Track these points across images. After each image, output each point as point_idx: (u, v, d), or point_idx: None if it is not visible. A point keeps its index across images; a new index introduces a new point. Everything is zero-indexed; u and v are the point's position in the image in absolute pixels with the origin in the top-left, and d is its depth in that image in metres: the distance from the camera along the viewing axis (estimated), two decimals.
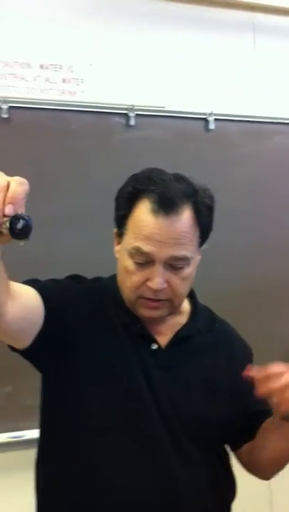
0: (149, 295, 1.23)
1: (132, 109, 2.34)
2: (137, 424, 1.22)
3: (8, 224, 0.79)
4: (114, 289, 1.31)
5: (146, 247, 1.19)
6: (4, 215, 0.81)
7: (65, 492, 1.24)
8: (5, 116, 2.19)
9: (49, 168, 2.26)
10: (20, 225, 0.79)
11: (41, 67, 2.31)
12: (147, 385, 1.24)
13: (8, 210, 0.81)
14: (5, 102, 2.19)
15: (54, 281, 1.32)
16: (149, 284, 1.21)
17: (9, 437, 2.24)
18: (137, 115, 2.35)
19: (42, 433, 1.34)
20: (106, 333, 1.27)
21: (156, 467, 1.21)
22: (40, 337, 1.20)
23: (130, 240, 1.22)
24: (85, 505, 1.21)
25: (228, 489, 1.35)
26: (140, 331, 1.29)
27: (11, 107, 2.20)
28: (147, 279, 1.22)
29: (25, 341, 1.20)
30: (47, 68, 2.32)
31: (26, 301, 1.16)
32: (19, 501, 2.26)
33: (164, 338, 1.32)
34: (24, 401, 2.22)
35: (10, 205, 0.82)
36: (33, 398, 2.19)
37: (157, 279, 1.20)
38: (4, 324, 1.11)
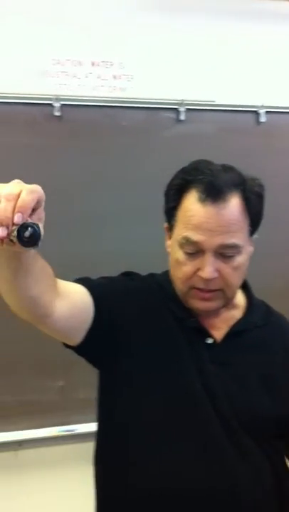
0: (201, 285, 1.23)
1: (182, 104, 2.33)
2: (193, 420, 1.22)
3: (16, 232, 0.80)
4: (167, 284, 1.31)
5: (195, 237, 1.19)
6: (13, 224, 0.82)
7: (125, 487, 1.24)
8: (57, 114, 2.22)
9: (101, 164, 2.28)
10: (27, 233, 0.81)
11: (92, 64, 2.33)
12: (202, 379, 1.23)
13: (17, 218, 0.83)
14: (57, 100, 2.22)
15: (106, 279, 1.33)
16: (200, 273, 1.21)
17: (61, 431, 2.27)
18: (187, 110, 2.34)
19: (100, 427, 1.34)
20: (159, 328, 1.27)
21: (214, 464, 1.20)
22: (91, 334, 1.21)
23: (180, 231, 1.23)
24: (145, 500, 1.21)
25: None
26: (195, 325, 1.29)
27: (63, 104, 2.22)
28: (198, 269, 1.22)
29: (76, 338, 1.21)
30: (98, 65, 2.33)
31: (75, 299, 1.18)
32: (71, 494, 2.31)
33: (219, 332, 1.31)
34: (76, 395, 2.25)
35: (19, 214, 0.83)
36: (85, 392, 2.26)
37: (208, 269, 1.20)
38: (53, 321, 1.13)
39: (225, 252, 1.21)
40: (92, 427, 2.20)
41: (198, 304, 1.26)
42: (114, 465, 1.27)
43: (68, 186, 2.25)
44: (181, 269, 1.24)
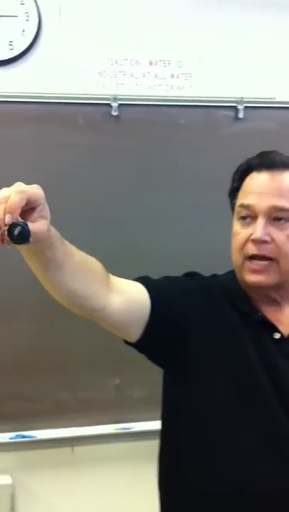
0: (253, 251, 1.23)
1: (241, 102, 2.31)
2: (261, 417, 1.20)
3: (6, 232, 0.86)
4: (232, 281, 1.31)
5: (247, 200, 1.24)
6: (5, 224, 0.86)
7: (192, 485, 1.24)
8: (115, 113, 2.24)
9: (159, 163, 2.29)
10: (16, 231, 0.86)
11: (150, 63, 2.33)
12: (270, 373, 1.21)
13: (7, 219, 0.86)
14: (115, 99, 2.23)
15: (167, 278, 1.33)
16: (252, 236, 1.23)
17: (117, 429, 2.28)
18: (246, 107, 2.32)
19: (164, 426, 1.34)
20: (223, 324, 1.26)
21: (283, 461, 1.18)
22: (149, 331, 1.21)
23: (238, 203, 1.28)
24: (211, 498, 1.20)
25: None
26: (260, 320, 1.27)
27: (120, 104, 2.24)
28: (251, 235, 1.23)
29: (134, 334, 1.22)
30: (156, 64, 2.33)
31: (131, 294, 1.19)
32: (126, 492, 2.33)
33: (285, 327, 1.29)
34: (132, 393, 2.26)
35: (8, 215, 0.86)
36: (141, 391, 2.27)
37: (258, 230, 1.21)
38: (108, 315, 1.15)
39: (277, 215, 1.22)
40: (148, 425, 2.25)
41: (250, 277, 1.25)
42: (181, 462, 1.26)
43: (127, 185, 2.27)
44: (236, 240, 1.26)
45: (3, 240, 0.87)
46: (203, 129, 2.31)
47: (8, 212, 0.86)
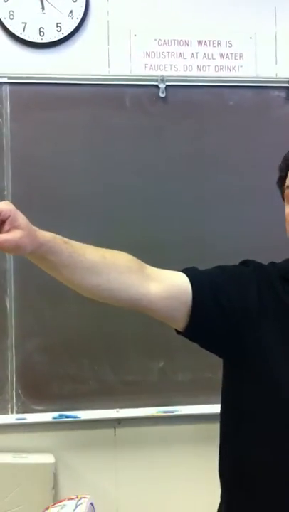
0: None
1: None
2: None
3: None
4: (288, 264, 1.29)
5: None
6: None
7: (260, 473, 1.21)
8: (162, 95, 2.22)
9: (208, 145, 2.27)
10: None
11: (199, 43, 2.30)
12: None
13: None
14: (162, 81, 2.21)
15: (216, 267, 1.31)
16: None
17: (160, 412, 2.29)
18: None
19: (224, 413, 1.32)
20: (280, 308, 1.24)
21: None
22: (194, 318, 1.20)
23: (285, 187, 1.25)
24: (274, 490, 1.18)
25: None
26: None
27: (168, 85, 2.22)
28: None
29: (180, 322, 1.21)
30: (205, 44, 2.30)
31: (171, 282, 1.20)
32: (167, 475, 2.34)
33: None
34: (176, 377, 2.26)
35: None
36: (185, 374, 2.27)
37: None
38: (148, 303, 1.16)
39: None
40: (192, 409, 2.25)
41: None
42: (245, 453, 1.24)
43: (174, 168, 2.26)
44: (287, 223, 1.24)
45: None
46: (253, 111, 2.28)
47: None
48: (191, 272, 1.23)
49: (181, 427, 2.30)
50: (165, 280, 1.19)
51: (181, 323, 1.21)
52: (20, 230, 1.02)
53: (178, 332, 1.25)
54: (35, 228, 1.05)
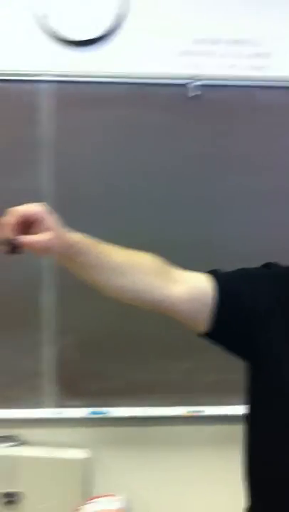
0: None
1: None
2: None
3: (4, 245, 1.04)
4: None
5: None
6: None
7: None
8: (193, 94, 2.21)
9: (239, 144, 2.25)
10: (8, 245, 1.04)
11: (230, 42, 2.27)
12: None
13: (2, 235, 1.04)
14: (193, 80, 2.20)
15: (239, 269, 1.30)
16: None
17: (189, 411, 2.29)
18: None
19: (252, 415, 1.31)
20: None
21: None
22: (216, 321, 1.20)
23: None
24: None
25: None
26: None
27: (198, 84, 2.21)
28: None
29: (202, 324, 1.21)
30: (237, 43, 2.27)
31: (194, 285, 1.20)
32: (196, 476, 2.34)
33: None
34: (203, 377, 2.27)
35: (2, 233, 1.04)
36: (212, 375, 2.27)
37: None
38: (171, 305, 1.18)
39: None
40: (219, 410, 2.24)
41: None
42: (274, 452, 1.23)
43: (206, 168, 2.25)
44: None
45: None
46: (284, 110, 2.25)
47: (3, 230, 1.04)
48: (214, 274, 1.24)
49: (209, 428, 2.31)
50: (188, 282, 1.20)
51: (202, 326, 1.22)
52: (50, 232, 1.05)
53: (199, 335, 1.24)
54: (65, 230, 1.09)
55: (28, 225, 1.06)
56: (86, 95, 2.25)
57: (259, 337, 1.21)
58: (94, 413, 2.31)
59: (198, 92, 2.22)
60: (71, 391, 2.31)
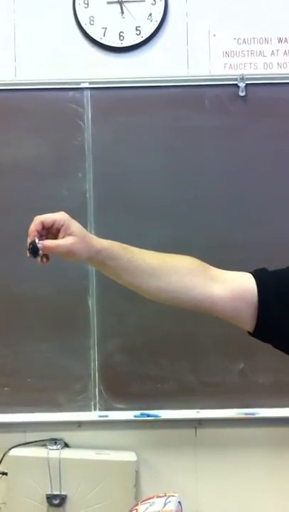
0: None
1: None
2: None
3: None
4: None
5: None
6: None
7: None
8: (242, 94, 2.21)
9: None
10: (30, 247, 1.12)
11: (279, 40, 2.26)
12: None
13: (28, 240, 1.13)
14: (242, 79, 2.20)
15: (287, 268, 1.29)
16: None
17: (241, 413, 2.27)
18: None
19: None
20: None
21: None
22: (262, 319, 1.19)
23: None
24: None
25: None
26: None
27: (248, 84, 2.20)
28: None
29: (248, 323, 1.20)
30: (285, 41, 2.26)
31: (236, 283, 1.21)
32: (247, 478, 2.31)
33: None
34: (256, 379, 2.24)
35: (28, 238, 1.13)
36: (266, 376, 2.24)
37: None
38: (213, 304, 1.18)
39: None
40: (274, 412, 2.22)
41: None
42: None
43: (257, 168, 2.25)
44: None
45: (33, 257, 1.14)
46: None
47: (28, 236, 1.13)
48: (258, 273, 1.23)
49: (262, 430, 2.28)
50: (229, 281, 1.20)
51: (249, 324, 1.21)
52: (73, 237, 1.12)
53: (250, 333, 1.24)
54: (92, 236, 1.16)
55: (53, 233, 1.14)
56: (130, 100, 2.26)
57: None
58: (142, 416, 2.31)
59: (245, 93, 2.22)
60: (119, 394, 2.31)
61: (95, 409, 2.33)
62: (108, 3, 2.27)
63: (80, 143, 2.26)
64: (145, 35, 2.28)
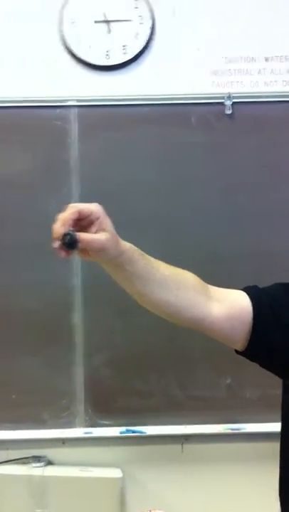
0: None
1: None
2: None
3: (61, 241, 1.01)
4: None
5: None
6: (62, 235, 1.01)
7: None
8: (228, 112, 2.24)
9: (275, 160, 2.28)
10: (67, 238, 1.00)
11: (266, 59, 2.30)
12: None
13: (61, 230, 1.01)
14: (229, 98, 2.24)
15: (277, 284, 1.29)
16: None
17: (227, 429, 2.27)
18: None
19: (284, 433, 1.30)
20: None
21: None
22: (255, 338, 1.19)
23: None
24: None
25: None
26: None
27: (234, 102, 2.24)
28: None
29: (240, 342, 1.20)
30: (272, 60, 2.30)
31: (232, 303, 1.19)
32: (234, 493, 2.31)
33: None
34: (243, 393, 2.25)
35: (62, 227, 1.01)
36: (253, 391, 2.25)
37: None
38: (210, 324, 1.16)
39: None
40: (260, 427, 2.22)
41: None
42: None
43: (244, 185, 2.28)
44: None
45: (64, 251, 1.02)
46: None
47: (62, 225, 1.01)
48: (251, 291, 1.22)
49: (249, 445, 2.28)
50: (226, 300, 1.19)
51: (240, 343, 1.20)
52: (107, 233, 1.04)
53: (237, 352, 1.24)
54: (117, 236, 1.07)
55: (83, 225, 1.04)
56: (116, 118, 2.28)
57: None
58: (127, 432, 2.30)
59: (232, 111, 2.26)
60: (105, 410, 2.30)
61: (79, 426, 2.31)
62: (95, 22, 2.29)
63: (67, 159, 2.27)
64: (132, 53, 2.30)
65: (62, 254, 1.01)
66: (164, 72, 2.30)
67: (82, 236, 1.01)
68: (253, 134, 2.27)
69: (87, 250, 1.03)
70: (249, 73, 2.30)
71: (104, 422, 2.31)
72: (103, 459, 2.32)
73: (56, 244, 1.00)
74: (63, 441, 2.32)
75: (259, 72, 2.31)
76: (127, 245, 1.09)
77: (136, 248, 1.12)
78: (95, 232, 1.03)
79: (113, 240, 1.05)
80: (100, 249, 1.04)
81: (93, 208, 1.05)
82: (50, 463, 2.33)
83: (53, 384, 2.29)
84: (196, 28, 2.29)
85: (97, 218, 1.05)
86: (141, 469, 2.33)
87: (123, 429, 2.30)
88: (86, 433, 2.31)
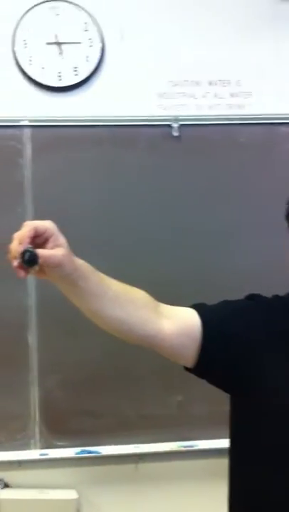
0: None
1: None
2: None
3: (20, 258, 1.02)
4: None
5: None
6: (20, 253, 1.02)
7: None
8: (176, 134, 2.28)
9: (220, 181, 2.32)
10: (26, 256, 1.01)
11: (210, 83, 2.36)
12: None
13: (19, 248, 1.02)
14: (176, 120, 2.28)
15: (223, 302, 1.31)
16: None
17: (181, 446, 2.28)
18: None
19: (235, 449, 1.31)
20: (283, 342, 1.24)
21: None
22: (203, 355, 1.20)
23: None
24: None
25: None
26: None
27: (181, 125, 2.28)
28: None
29: (190, 359, 1.21)
30: (215, 84, 2.36)
31: (182, 320, 1.21)
32: (190, 510, 2.31)
33: None
34: (194, 410, 2.26)
35: (20, 245, 1.02)
36: (204, 408, 2.27)
37: None
38: (160, 341, 1.17)
39: None
40: (212, 443, 2.23)
41: None
42: (259, 487, 1.23)
43: (190, 205, 2.32)
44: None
45: (23, 269, 1.02)
46: (264, 146, 2.33)
47: (20, 243, 1.02)
48: (200, 309, 1.23)
49: (202, 462, 2.29)
50: (176, 317, 1.20)
51: (189, 360, 1.21)
52: (63, 248, 1.06)
53: (186, 369, 1.25)
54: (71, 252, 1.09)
55: (38, 243, 1.05)
56: (68, 139, 2.30)
57: (249, 369, 1.21)
58: (82, 452, 2.29)
59: (178, 133, 2.30)
60: (60, 431, 2.29)
61: (35, 448, 2.29)
62: (47, 43, 2.31)
63: (19, 179, 2.27)
64: (83, 75, 2.33)
65: (22, 273, 1.02)
66: (113, 95, 2.33)
67: (41, 252, 1.02)
68: (198, 156, 2.32)
69: (42, 268, 1.04)
70: (193, 97, 2.36)
71: (60, 443, 2.29)
72: (59, 481, 2.30)
73: (15, 262, 1.01)
74: (19, 463, 2.30)
75: (204, 96, 2.36)
76: (80, 261, 1.10)
77: (88, 265, 1.12)
78: (51, 249, 1.05)
79: (69, 255, 1.06)
80: (57, 265, 1.04)
81: (48, 224, 1.06)
82: (6, 485, 2.30)
83: (8, 405, 2.26)
84: (144, 52, 2.34)
85: (52, 235, 1.06)
86: (96, 490, 2.32)
87: (78, 449, 2.29)
88: (42, 455, 2.29)
